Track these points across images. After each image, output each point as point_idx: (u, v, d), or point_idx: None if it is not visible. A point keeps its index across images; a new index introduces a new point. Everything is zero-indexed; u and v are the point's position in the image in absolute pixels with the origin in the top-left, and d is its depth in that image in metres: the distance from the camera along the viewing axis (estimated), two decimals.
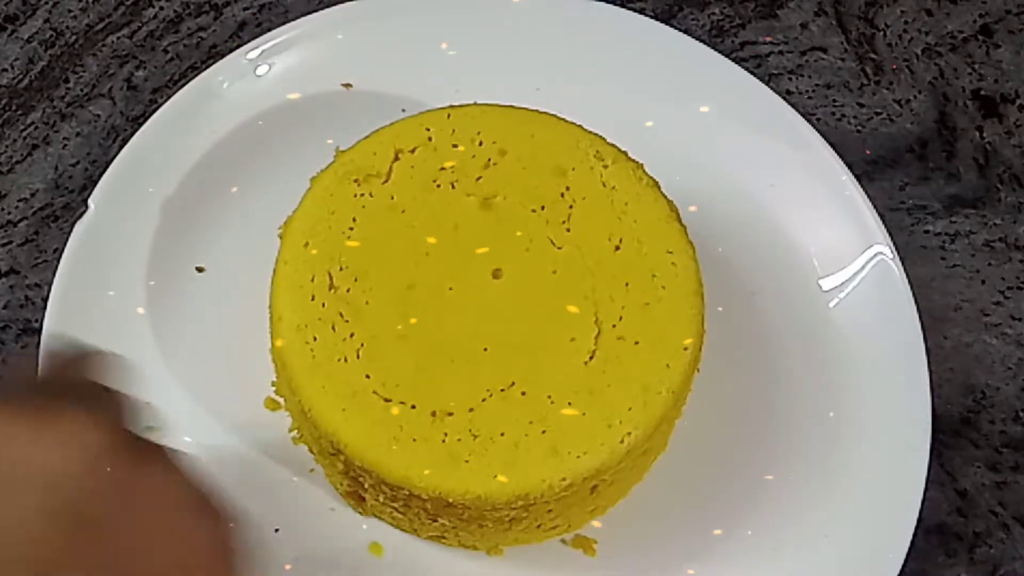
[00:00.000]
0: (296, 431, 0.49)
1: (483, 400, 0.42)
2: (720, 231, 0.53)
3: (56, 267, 0.51)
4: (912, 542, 0.47)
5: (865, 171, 0.58)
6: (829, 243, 0.53)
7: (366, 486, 0.45)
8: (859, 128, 0.59)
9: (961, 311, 0.55)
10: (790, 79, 0.60)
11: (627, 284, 0.44)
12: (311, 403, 0.43)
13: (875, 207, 0.53)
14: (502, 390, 0.42)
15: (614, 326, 0.43)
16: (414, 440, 0.42)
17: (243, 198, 0.54)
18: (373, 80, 0.56)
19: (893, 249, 0.52)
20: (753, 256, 0.54)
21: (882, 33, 0.62)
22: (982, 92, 0.60)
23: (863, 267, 0.52)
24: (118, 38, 0.60)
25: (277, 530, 0.49)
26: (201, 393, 0.51)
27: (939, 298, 0.55)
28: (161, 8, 0.61)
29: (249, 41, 0.56)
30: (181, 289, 0.53)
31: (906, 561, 0.47)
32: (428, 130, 0.47)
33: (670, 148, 0.53)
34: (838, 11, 0.62)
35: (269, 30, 0.57)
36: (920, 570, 0.50)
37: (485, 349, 0.43)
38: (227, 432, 0.51)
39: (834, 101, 0.60)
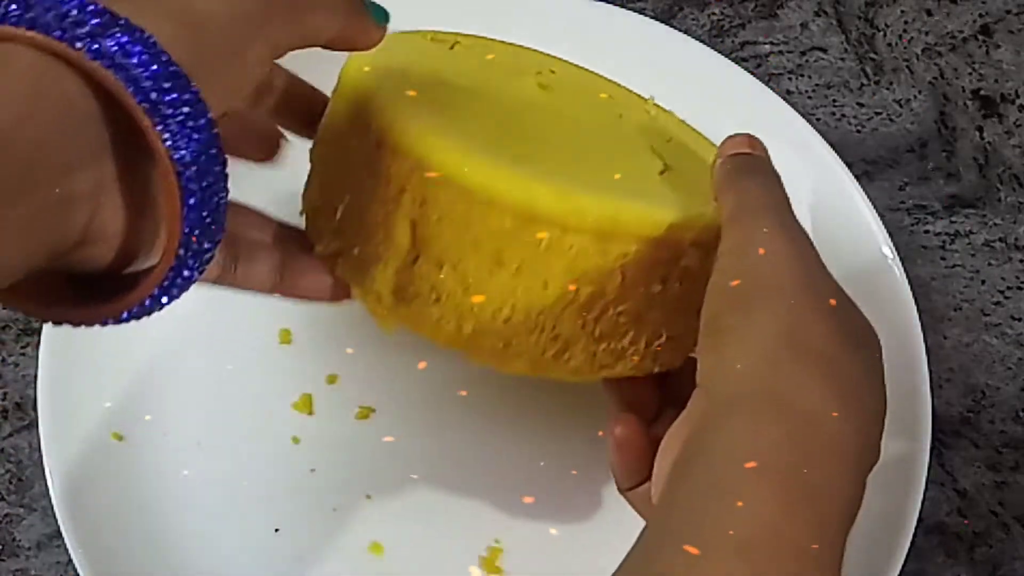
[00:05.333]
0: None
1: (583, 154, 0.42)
2: None
3: None
4: (912, 542, 0.47)
5: (865, 171, 0.58)
6: (829, 243, 0.53)
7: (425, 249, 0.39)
8: (859, 128, 0.59)
9: (961, 311, 0.55)
10: (790, 79, 0.60)
11: (669, 140, 0.45)
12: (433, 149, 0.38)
13: (875, 207, 0.53)
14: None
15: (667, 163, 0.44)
16: (529, 166, 0.39)
17: (242, 198, 0.54)
18: None
19: (893, 249, 0.52)
20: None
21: (882, 33, 0.62)
22: (982, 92, 0.60)
23: (863, 267, 0.52)
24: None
25: (277, 530, 0.49)
26: (202, 393, 0.51)
27: (939, 298, 0.55)
28: None
29: None
30: None
31: (906, 561, 0.47)
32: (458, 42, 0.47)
33: None
34: (838, 11, 0.62)
35: None
36: (920, 570, 0.50)
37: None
38: (228, 431, 0.51)
39: (834, 101, 0.60)
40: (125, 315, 0.33)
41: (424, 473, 0.50)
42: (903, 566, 0.47)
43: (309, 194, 0.43)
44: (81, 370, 0.50)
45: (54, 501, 0.47)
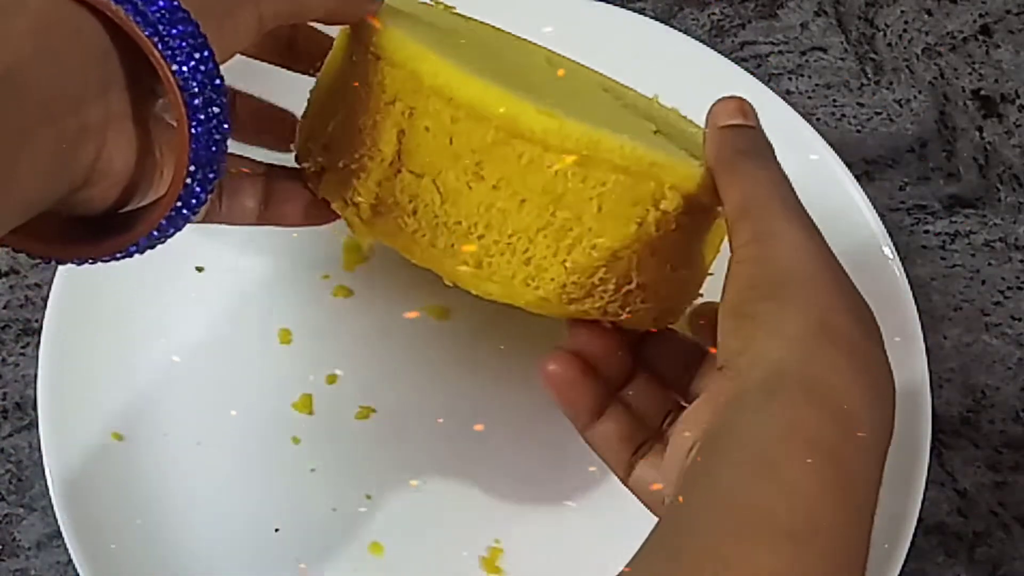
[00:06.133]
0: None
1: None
2: None
3: (56, 267, 0.51)
4: (912, 542, 0.47)
5: (865, 171, 0.58)
6: (830, 243, 0.53)
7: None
8: (859, 128, 0.59)
9: (961, 311, 0.55)
10: (790, 79, 0.60)
11: (670, 125, 0.46)
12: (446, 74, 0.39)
13: (875, 207, 0.53)
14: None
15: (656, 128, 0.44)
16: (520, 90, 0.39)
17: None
18: None
19: (893, 249, 0.52)
20: None
21: (882, 33, 0.62)
22: (982, 92, 0.60)
23: (863, 267, 0.52)
24: None
25: (277, 530, 0.49)
26: (202, 393, 0.51)
27: (939, 298, 0.55)
28: None
29: None
30: (181, 289, 0.53)
31: (906, 561, 0.47)
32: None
33: None
34: (838, 11, 0.62)
35: None
36: (920, 570, 0.50)
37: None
38: (228, 431, 0.51)
39: (834, 101, 0.60)
40: (133, 248, 0.34)
41: (424, 473, 0.50)
42: (903, 566, 0.47)
43: (304, 122, 0.43)
44: (81, 370, 0.50)
45: (54, 501, 0.47)
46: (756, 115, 0.40)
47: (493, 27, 0.48)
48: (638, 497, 0.40)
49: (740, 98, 0.40)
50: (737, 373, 0.33)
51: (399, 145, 0.39)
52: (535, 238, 0.39)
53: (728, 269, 0.36)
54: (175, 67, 0.31)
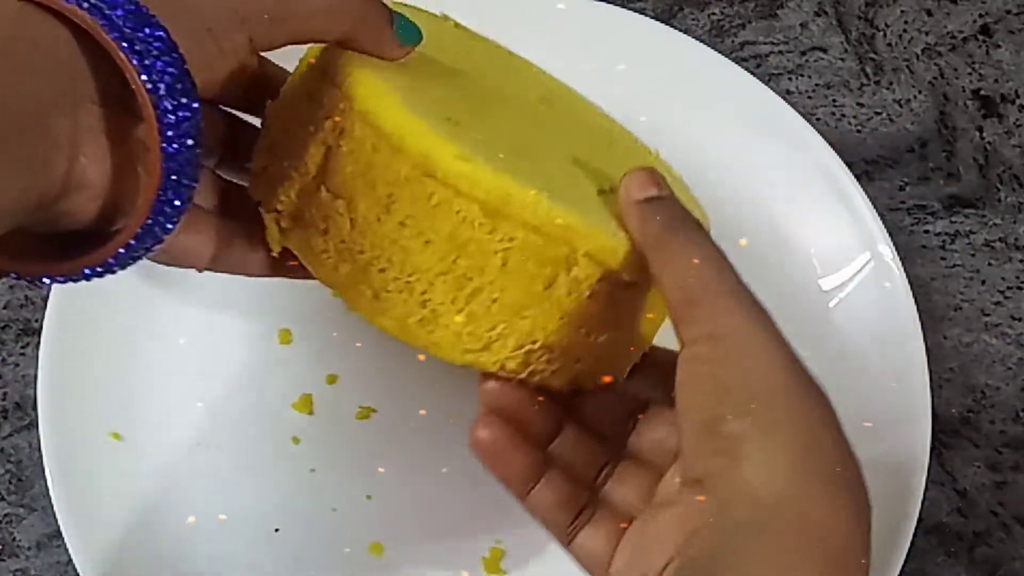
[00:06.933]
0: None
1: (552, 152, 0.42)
2: (720, 231, 0.53)
3: None
4: (912, 542, 0.47)
5: (865, 171, 0.58)
6: (829, 243, 0.53)
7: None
8: (859, 128, 0.59)
9: (961, 311, 0.55)
10: (790, 79, 0.60)
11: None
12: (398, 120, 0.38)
13: (875, 207, 0.53)
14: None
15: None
16: (452, 130, 0.38)
17: None
18: None
19: (893, 249, 0.52)
20: (753, 256, 0.53)
21: (882, 33, 0.62)
22: (982, 92, 0.60)
23: (863, 267, 0.52)
24: None
25: (277, 530, 0.49)
26: (202, 393, 0.51)
27: (939, 298, 0.55)
28: None
29: None
30: (181, 288, 0.53)
31: (906, 561, 0.47)
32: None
33: (670, 148, 0.53)
34: (838, 11, 0.62)
35: None
36: (920, 570, 0.50)
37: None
38: (228, 432, 0.51)
39: (834, 101, 0.60)
40: (112, 261, 0.34)
41: (424, 473, 0.50)
42: (903, 566, 0.47)
43: (263, 122, 0.43)
44: (81, 370, 0.50)
45: (54, 501, 0.47)
46: (667, 183, 0.39)
47: (505, 51, 0.47)
48: (579, 564, 0.39)
49: (649, 169, 0.39)
50: (715, 496, 0.33)
51: (324, 162, 0.38)
52: (434, 282, 0.38)
53: (681, 364, 0.35)
54: (143, 71, 0.31)
